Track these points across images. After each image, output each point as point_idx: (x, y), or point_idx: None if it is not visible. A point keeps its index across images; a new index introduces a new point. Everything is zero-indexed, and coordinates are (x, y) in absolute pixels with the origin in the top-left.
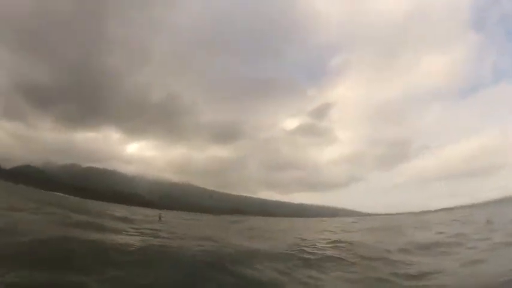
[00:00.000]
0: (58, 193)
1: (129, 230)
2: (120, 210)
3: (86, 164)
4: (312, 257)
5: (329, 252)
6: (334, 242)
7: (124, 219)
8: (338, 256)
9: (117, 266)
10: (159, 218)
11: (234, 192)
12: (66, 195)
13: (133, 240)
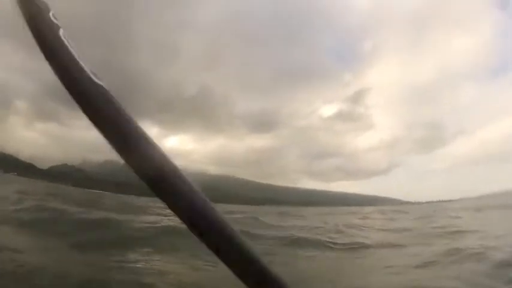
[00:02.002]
0: (97, 190)
1: None
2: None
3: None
4: None
5: None
6: None
7: None
8: None
9: None
10: None
11: (274, 183)
12: (107, 193)
13: None
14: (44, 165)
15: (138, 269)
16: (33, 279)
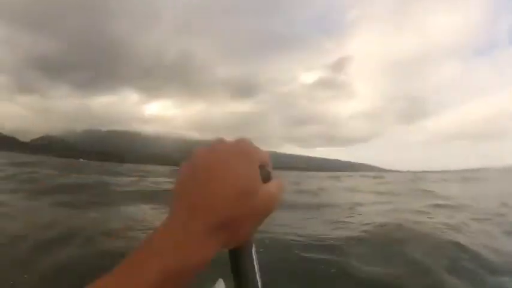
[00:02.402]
0: (81, 159)
1: None
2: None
3: (106, 128)
4: None
5: None
6: None
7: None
8: None
9: None
10: None
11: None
12: (90, 161)
13: None
14: (27, 137)
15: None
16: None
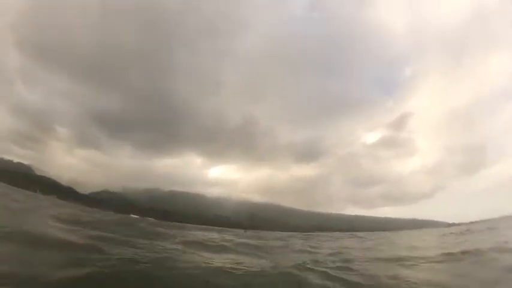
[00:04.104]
0: (137, 216)
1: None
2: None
3: (167, 188)
4: None
5: None
6: None
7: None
8: None
9: None
10: (245, 231)
11: (319, 210)
12: (148, 218)
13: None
14: (84, 190)
15: None
16: None
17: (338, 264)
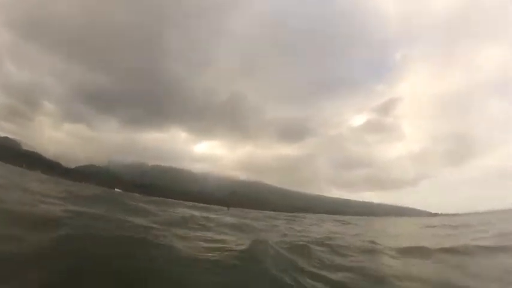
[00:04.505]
0: (121, 190)
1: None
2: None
3: (152, 163)
4: None
5: None
6: None
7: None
8: None
9: None
10: (228, 209)
11: (303, 191)
12: (130, 193)
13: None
14: (70, 164)
15: None
16: None
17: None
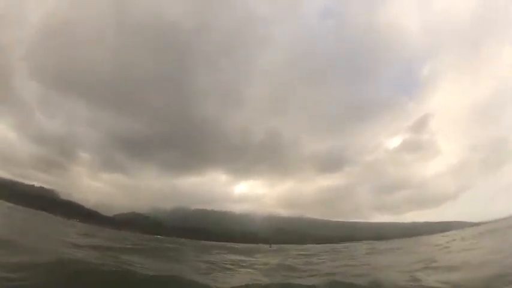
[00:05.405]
0: (166, 237)
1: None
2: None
3: (194, 207)
4: None
5: None
6: None
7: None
8: None
9: None
10: (270, 246)
11: (346, 220)
12: (177, 238)
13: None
14: (110, 212)
15: None
16: None
17: None
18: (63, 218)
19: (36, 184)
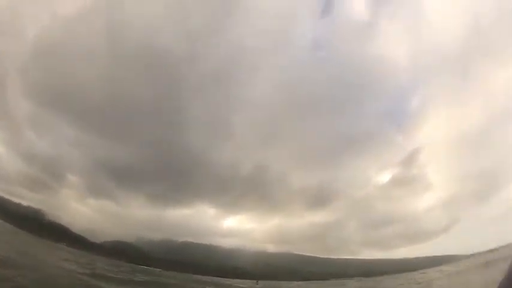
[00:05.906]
0: (155, 268)
1: None
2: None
3: (182, 239)
4: None
5: None
6: None
7: None
8: None
9: None
10: (256, 283)
11: (334, 256)
12: (165, 271)
13: None
14: (97, 239)
15: None
16: None
17: None
18: (49, 241)
19: (24, 203)
